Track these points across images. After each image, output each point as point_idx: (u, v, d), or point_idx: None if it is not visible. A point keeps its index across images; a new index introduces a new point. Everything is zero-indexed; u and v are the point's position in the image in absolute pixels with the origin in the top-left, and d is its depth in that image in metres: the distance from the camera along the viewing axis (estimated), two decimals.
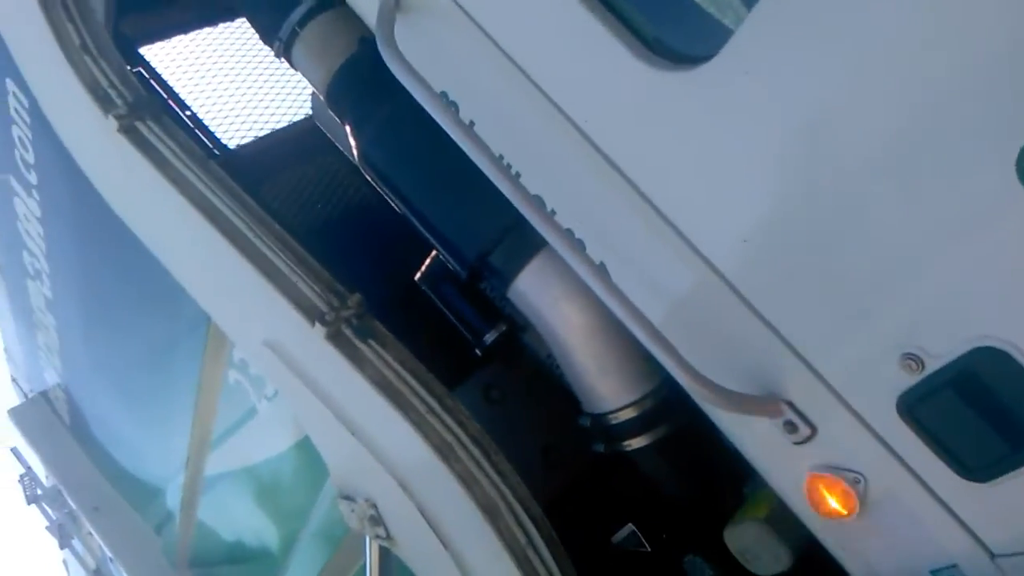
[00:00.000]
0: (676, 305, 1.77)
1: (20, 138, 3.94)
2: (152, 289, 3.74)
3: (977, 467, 1.47)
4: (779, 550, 1.94)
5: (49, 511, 7.67)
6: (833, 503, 1.69)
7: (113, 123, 2.55)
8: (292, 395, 2.69)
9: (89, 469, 6.42)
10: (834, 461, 1.68)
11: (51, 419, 6.54)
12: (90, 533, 7.06)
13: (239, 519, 5.16)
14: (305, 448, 3.74)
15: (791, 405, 1.67)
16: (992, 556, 1.54)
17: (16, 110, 3.80)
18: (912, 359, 1.45)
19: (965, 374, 1.39)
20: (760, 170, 1.50)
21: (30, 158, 3.97)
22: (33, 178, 4.09)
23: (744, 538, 2.01)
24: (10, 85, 3.71)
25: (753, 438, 1.82)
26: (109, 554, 6.59)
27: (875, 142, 1.35)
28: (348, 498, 2.68)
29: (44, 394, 6.46)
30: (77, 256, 4.33)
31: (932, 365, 1.43)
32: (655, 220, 1.71)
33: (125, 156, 2.60)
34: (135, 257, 3.34)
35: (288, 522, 4.58)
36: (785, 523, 1.93)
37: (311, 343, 2.40)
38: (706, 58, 1.50)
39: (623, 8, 1.65)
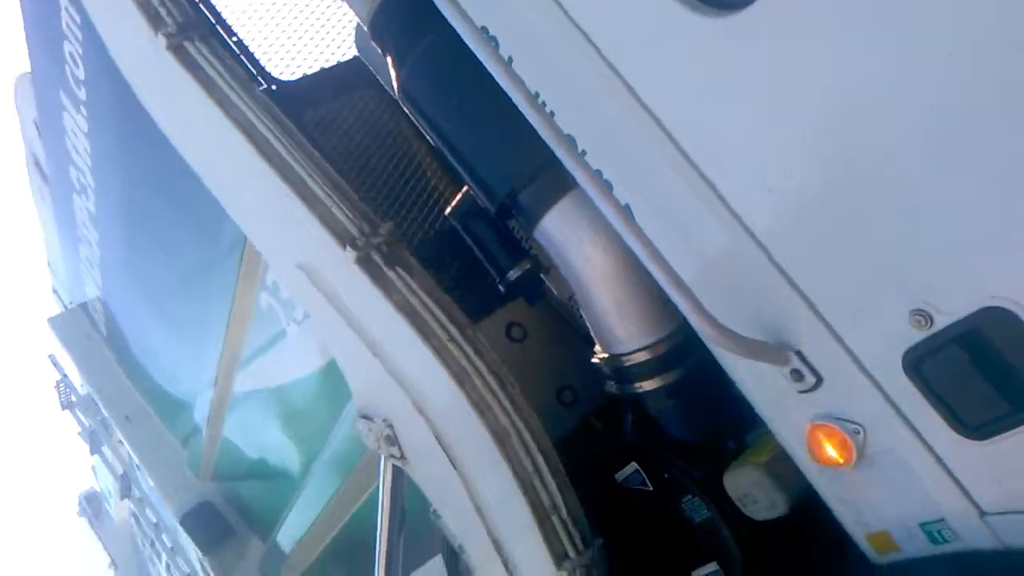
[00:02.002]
0: (697, 250, 1.81)
1: (71, 54, 4.02)
2: (193, 210, 3.85)
3: (976, 425, 1.51)
4: (775, 496, 2.01)
5: (82, 418, 7.98)
6: (831, 452, 1.75)
7: (162, 41, 2.61)
8: (320, 317, 2.79)
9: (122, 380, 6.66)
10: (836, 412, 1.73)
11: (88, 330, 6.77)
12: (120, 441, 7.36)
13: (262, 437, 5.34)
14: (329, 372, 3.87)
15: (799, 354, 1.72)
16: (982, 514, 1.59)
17: (68, 25, 3.87)
18: (921, 315, 1.48)
19: (972, 333, 1.43)
20: (790, 120, 1.53)
21: (80, 74, 4.06)
22: (82, 94, 4.19)
23: (743, 482, 2.08)
24: (63, 2, 3.78)
25: (760, 385, 1.87)
26: (137, 462, 6.87)
27: (908, 106, 1.36)
28: (367, 418, 2.79)
29: (83, 306, 6.68)
30: (122, 173, 4.44)
31: (941, 322, 1.47)
32: (683, 165, 1.74)
33: (172, 74, 2.66)
34: (179, 177, 3.43)
35: (308, 443, 4.73)
36: (784, 471, 1.99)
37: (341, 266, 2.48)
38: (747, 3, 1.51)
39: None
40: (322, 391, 4.10)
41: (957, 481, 1.59)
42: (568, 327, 3.01)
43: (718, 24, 1.54)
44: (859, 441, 1.71)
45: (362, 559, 4.28)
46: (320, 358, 3.90)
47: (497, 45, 1.98)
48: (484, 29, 1.99)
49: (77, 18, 3.76)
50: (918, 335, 1.50)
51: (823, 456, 1.77)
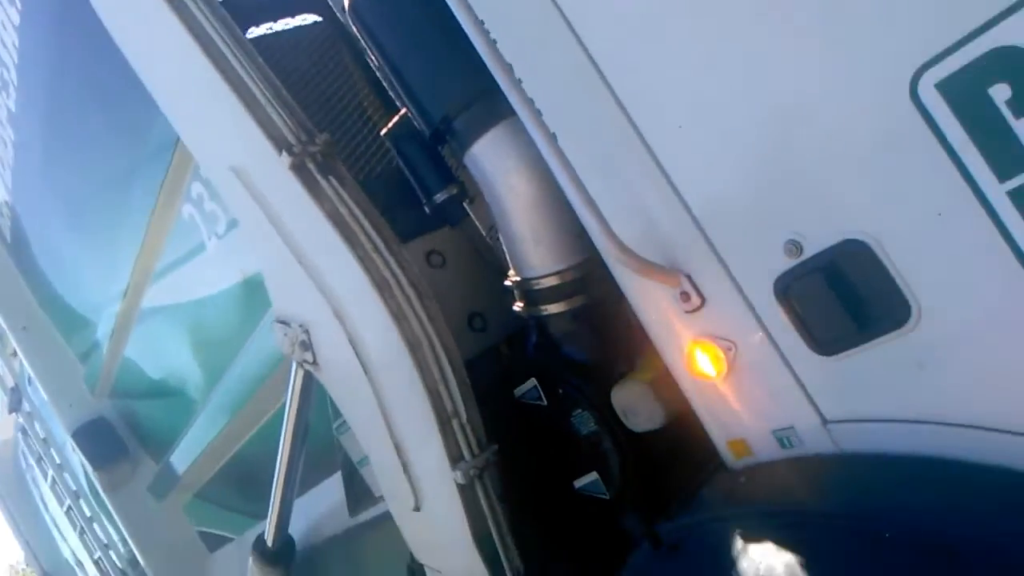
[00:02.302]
0: (610, 178, 2.02)
1: None
2: (123, 114, 3.84)
3: (827, 341, 1.77)
4: (654, 408, 2.24)
5: None
6: (705, 365, 1.99)
7: None
8: (247, 221, 2.88)
9: (23, 289, 6.48)
10: (714, 330, 1.97)
11: None
12: (14, 353, 7.15)
13: (166, 356, 5.31)
14: (244, 290, 3.94)
15: (688, 277, 1.95)
16: (824, 422, 1.86)
17: None
18: (793, 244, 1.73)
19: (832, 261, 1.68)
20: (693, 63, 1.73)
21: None
22: None
23: (626, 396, 2.31)
24: None
25: (652, 305, 2.10)
26: (30, 374, 6.70)
27: (796, 57, 1.59)
28: (284, 323, 2.90)
29: None
30: (51, 72, 4.35)
31: (808, 252, 1.71)
32: (608, 102, 1.93)
33: None
34: (112, 79, 3.43)
35: (213, 363, 4.74)
36: (664, 388, 2.23)
37: (275, 171, 2.57)
38: None
39: None
40: (234, 310, 4.14)
41: (807, 392, 1.85)
42: (485, 260, 3.18)
43: None
44: (731, 356, 1.95)
45: (257, 480, 4.39)
46: (237, 274, 3.95)
47: None
48: None
49: None
50: (789, 262, 1.74)
51: (699, 369, 2.01)
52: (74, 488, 7.16)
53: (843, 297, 1.69)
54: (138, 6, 2.84)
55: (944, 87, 1.39)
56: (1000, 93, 1.34)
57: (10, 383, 7.53)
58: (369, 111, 3.13)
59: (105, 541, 7.22)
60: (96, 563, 7.57)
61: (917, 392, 1.67)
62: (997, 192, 1.40)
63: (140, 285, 4.91)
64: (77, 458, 6.65)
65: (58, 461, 7.26)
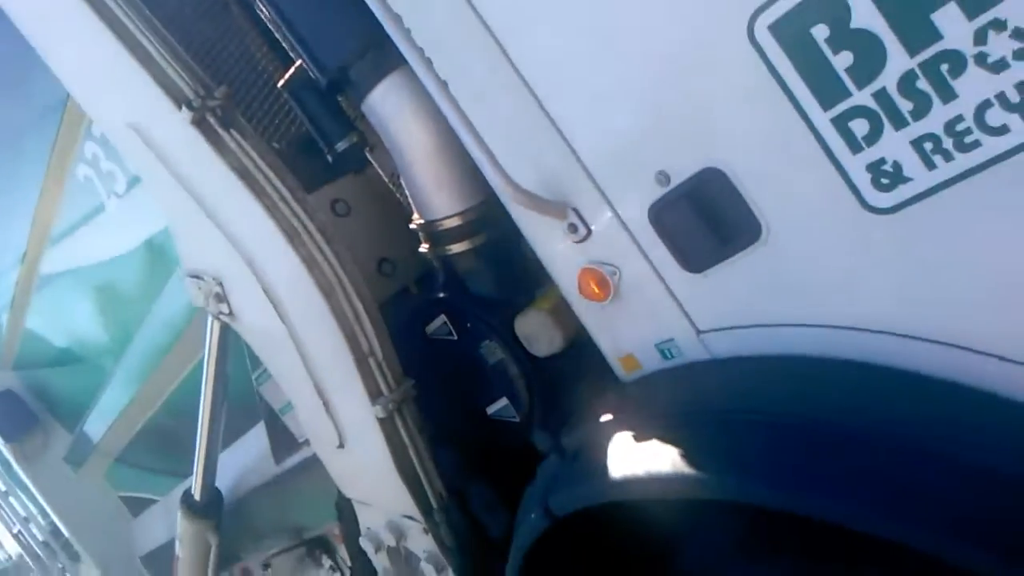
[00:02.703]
0: (499, 122, 2.17)
1: None
2: (5, 73, 3.73)
3: (694, 260, 2.00)
4: (553, 334, 2.46)
5: None
6: (594, 289, 2.20)
7: None
8: (150, 178, 2.92)
9: None
10: (601, 257, 2.18)
11: None
12: None
13: (72, 322, 5.24)
14: (150, 248, 3.94)
15: (575, 211, 2.15)
16: (698, 332, 2.11)
17: None
18: (663, 175, 1.93)
19: (695, 188, 1.89)
20: (572, 16, 1.90)
21: None
22: None
23: (528, 324, 2.52)
24: None
25: (545, 239, 2.29)
26: None
27: (649, 8, 1.77)
28: (196, 276, 2.98)
29: None
30: None
31: (675, 181, 1.92)
32: (492, 47, 2.07)
33: None
34: None
35: (122, 326, 4.71)
36: (562, 315, 2.45)
37: (175, 126, 2.63)
38: None
39: None
40: (139, 269, 4.14)
41: (681, 307, 2.09)
42: (388, 205, 3.30)
43: None
44: (615, 280, 2.17)
45: (178, 439, 4.45)
46: (139, 234, 3.94)
47: None
48: None
49: None
50: (660, 191, 1.95)
51: (588, 292, 2.22)
52: None
53: (706, 219, 1.91)
54: None
55: (775, 29, 1.60)
56: (820, 32, 1.55)
57: None
58: (262, 62, 3.16)
59: (24, 514, 7.12)
60: (16, 537, 7.47)
61: (773, 299, 1.92)
62: (822, 119, 1.63)
63: (37, 250, 4.80)
64: None
65: None
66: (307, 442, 3.62)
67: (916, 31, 1.46)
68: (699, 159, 1.86)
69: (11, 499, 7.15)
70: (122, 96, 2.76)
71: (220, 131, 2.59)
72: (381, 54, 2.44)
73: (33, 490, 6.40)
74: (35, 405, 6.23)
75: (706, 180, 1.86)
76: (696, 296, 2.06)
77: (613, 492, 2.01)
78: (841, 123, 1.61)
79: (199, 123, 2.57)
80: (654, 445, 1.96)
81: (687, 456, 1.85)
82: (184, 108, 2.55)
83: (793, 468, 1.69)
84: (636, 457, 1.98)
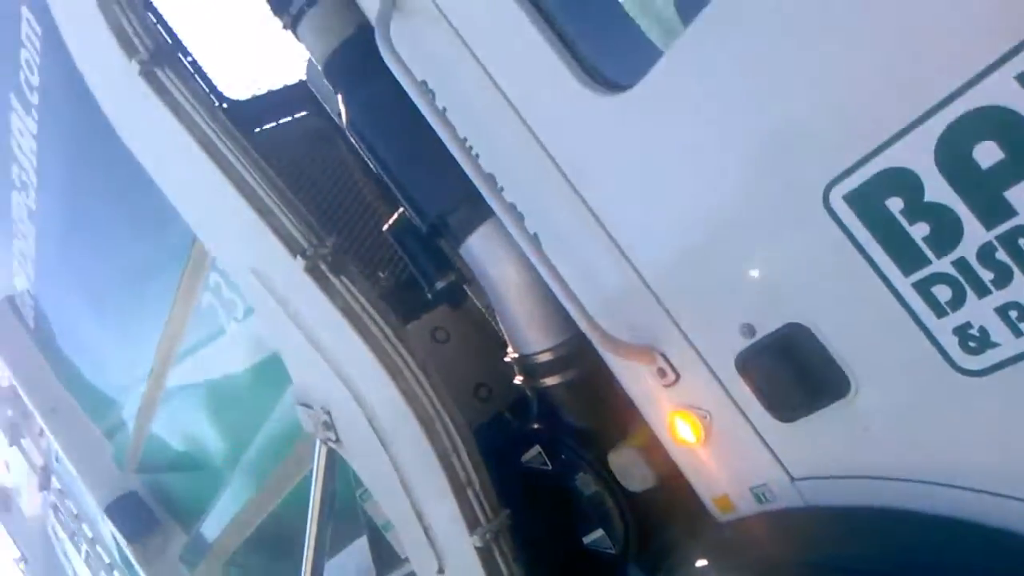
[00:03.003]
0: (589, 273, 2.29)
1: (28, 61, 4.26)
2: (141, 215, 4.14)
3: (784, 411, 2.02)
4: (646, 471, 2.50)
5: (1, 409, 7.97)
6: (686, 433, 2.25)
7: (135, 66, 2.94)
8: (268, 316, 3.16)
9: (48, 374, 6.74)
10: (690, 401, 2.23)
11: (15, 322, 6.82)
12: (41, 433, 7.40)
13: (192, 430, 5.57)
14: (264, 369, 4.20)
15: (663, 355, 2.21)
16: (792, 479, 2.11)
17: (28, 36, 4.13)
18: (747, 328, 1.99)
19: (780, 341, 1.94)
20: (654, 178, 2.01)
21: (35, 80, 4.30)
22: (35, 99, 4.42)
23: (622, 460, 2.57)
24: (25, 12, 4.04)
25: (635, 381, 2.36)
26: (59, 453, 6.94)
27: (738, 175, 1.86)
28: (306, 406, 3.17)
29: (11, 299, 6.73)
30: (69, 175, 4.66)
31: (760, 333, 1.97)
32: (579, 206, 2.21)
33: (142, 96, 3.00)
34: (129, 184, 3.74)
35: (237, 436, 5.00)
36: (655, 452, 2.48)
37: (291, 273, 2.86)
38: (627, 87, 1.99)
39: (570, 37, 2.13)
40: (255, 386, 4.41)
41: (774, 454, 2.10)
42: (486, 334, 3.45)
43: (605, 101, 2.02)
44: (707, 424, 2.21)
45: (287, 544, 4.62)
46: (256, 355, 4.23)
47: (434, 96, 2.42)
48: (423, 83, 2.42)
49: (38, 30, 4.02)
50: (745, 342, 2.00)
51: (680, 437, 2.27)
52: (107, 561, 7.38)
53: (793, 372, 1.94)
54: (150, 122, 3.14)
55: (851, 199, 1.66)
56: (895, 204, 1.61)
57: (39, 462, 7.77)
58: (370, 204, 3.42)
59: None
60: None
61: (866, 451, 1.92)
62: (904, 284, 1.66)
63: (164, 366, 5.18)
64: (109, 532, 6.88)
65: (90, 535, 7.48)
66: (408, 559, 3.71)
67: (990, 206, 1.50)
68: (783, 315, 1.91)
69: None
70: (243, 243, 3.03)
71: (330, 277, 2.80)
72: (476, 205, 2.60)
73: None
74: (155, 507, 6.57)
75: (791, 335, 1.91)
76: (788, 444, 2.07)
77: None
78: (923, 288, 1.65)
79: (312, 270, 2.79)
80: None
81: None
82: (299, 257, 2.77)
83: None
84: None
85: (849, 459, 1.96)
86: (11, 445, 8.07)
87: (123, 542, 6.40)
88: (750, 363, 2.02)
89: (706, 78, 1.81)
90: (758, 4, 1.68)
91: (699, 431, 2.22)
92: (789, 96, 1.69)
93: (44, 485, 7.85)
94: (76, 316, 6.03)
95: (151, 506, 6.53)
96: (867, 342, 1.80)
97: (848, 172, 1.65)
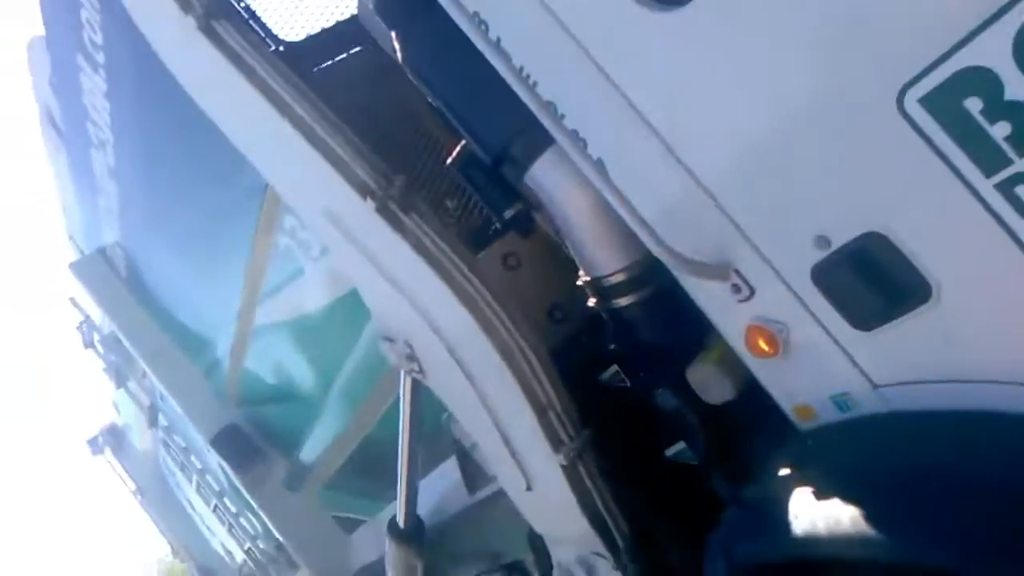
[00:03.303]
0: (656, 194, 2.27)
1: (88, 20, 4.35)
2: (214, 163, 4.26)
3: (863, 319, 2.00)
4: (724, 384, 2.51)
5: (105, 354, 8.46)
6: (763, 346, 2.25)
7: (192, 22, 2.99)
8: (344, 256, 3.25)
9: (145, 318, 7.10)
10: (766, 314, 2.22)
11: (108, 273, 7.16)
12: (144, 375, 7.86)
13: (283, 365, 5.84)
14: (344, 303, 4.35)
15: (737, 272, 2.20)
16: (873, 386, 2.10)
17: None
18: (822, 239, 1.96)
19: (858, 251, 1.91)
20: (718, 90, 1.97)
21: (98, 39, 4.40)
22: (100, 58, 4.53)
23: (700, 375, 2.58)
24: None
25: (709, 297, 2.36)
26: (163, 392, 7.37)
27: (807, 80, 1.81)
28: (389, 339, 3.28)
29: (102, 251, 7.05)
30: (142, 130, 4.81)
31: (836, 244, 1.94)
32: (642, 127, 2.17)
33: (201, 50, 3.05)
34: (200, 134, 3.83)
35: (326, 368, 5.23)
36: (732, 364, 2.50)
37: (362, 214, 2.93)
38: (684, 3, 1.93)
39: None
40: (339, 320, 4.58)
41: (854, 362, 2.09)
42: (557, 256, 3.47)
43: (662, 17, 1.96)
44: (783, 336, 2.20)
45: (381, 466, 4.85)
46: (336, 291, 4.38)
47: (487, 28, 2.39)
48: (476, 14, 2.39)
49: None
50: (820, 254, 1.98)
51: (758, 350, 2.27)
52: (217, 489, 7.88)
53: (871, 281, 1.92)
54: (211, 74, 3.20)
55: (927, 101, 1.60)
56: (973, 104, 1.54)
57: (146, 402, 8.28)
58: (433, 137, 3.43)
59: (252, 533, 7.96)
60: (247, 552, 8.35)
61: (949, 355, 1.90)
62: (986, 186, 1.61)
63: (250, 306, 5.41)
64: (215, 462, 7.33)
65: (199, 466, 7.99)
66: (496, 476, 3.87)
67: None
68: (859, 223, 1.87)
69: (241, 520, 7.99)
70: (312, 187, 3.10)
71: (400, 215, 2.85)
72: (538, 132, 2.59)
73: (259, 512, 7.13)
74: (256, 437, 6.95)
75: (868, 243, 1.87)
76: (868, 352, 2.06)
77: (795, 550, 2.05)
78: (1006, 189, 1.59)
79: (382, 211, 2.84)
80: (836, 504, 1.98)
81: (871, 518, 1.87)
82: (368, 199, 2.83)
83: (982, 537, 1.68)
84: (818, 515, 2.02)
85: (932, 364, 1.94)
86: (118, 388, 8.58)
87: (230, 471, 6.81)
88: (827, 274, 2.00)
89: None
90: None
91: (777, 343, 2.22)
92: None
93: (152, 422, 8.37)
94: (164, 263, 6.31)
95: (252, 436, 6.91)
96: (948, 246, 1.76)
97: (923, 74, 1.58)
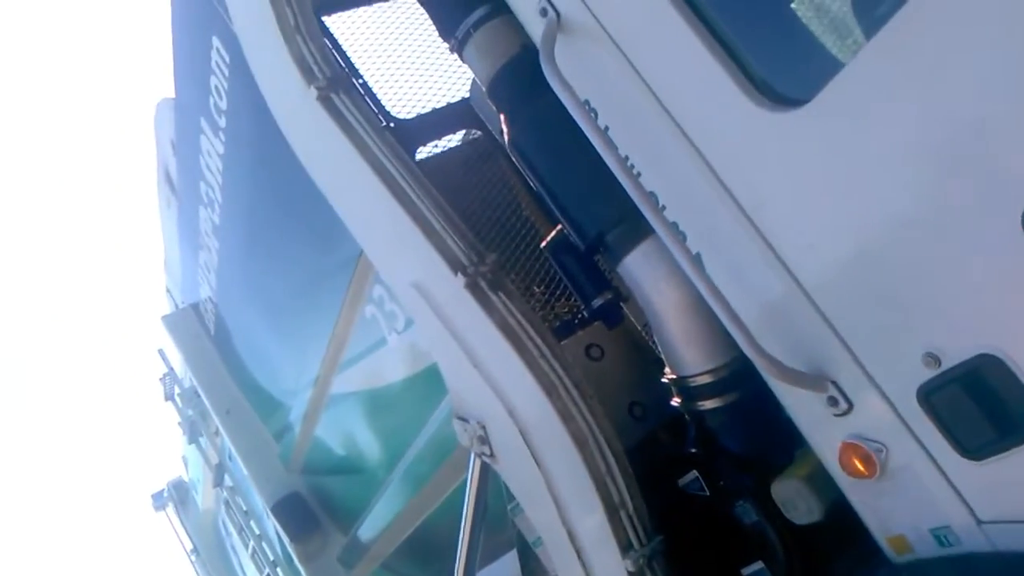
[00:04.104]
0: (754, 294, 2.21)
1: (216, 87, 4.64)
2: (313, 230, 4.41)
3: (973, 448, 1.87)
4: (813, 503, 2.37)
5: (183, 409, 8.65)
6: (859, 466, 2.12)
7: (313, 92, 3.14)
8: (427, 329, 3.26)
9: (225, 376, 7.27)
10: (864, 432, 2.10)
11: (198, 328, 7.41)
12: (216, 433, 7.98)
13: (353, 436, 5.85)
14: (422, 379, 4.34)
15: (835, 384, 2.10)
16: (979, 522, 1.94)
17: (217, 64, 4.50)
18: (932, 357, 1.85)
19: (970, 374, 1.79)
20: (831, 196, 1.92)
21: (223, 105, 4.68)
22: (222, 122, 4.80)
23: (786, 491, 2.45)
24: (215, 42, 4.41)
25: (802, 408, 2.25)
26: (232, 452, 7.45)
27: (926, 193, 1.75)
28: (462, 419, 3.24)
29: (195, 306, 7.33)
30: (250, 192, 5.04)
31: (946, 364, 1.83)
32: (746, 226, 2.14)
33: (319, 120, 3.19)
34: (303, 201, 3.98)
35: (395, 444, 5.20)
36: (822, 482, 2.35)
37: (452, 289, 2.94)
38: (802, 102, 1.92)
39: (739, 51, 2.07)
40: (414, 396, 4.58)
41: (959, 494, 1.94)
42: (641, 351, 3.41)
43: (776, 119, 1.95)
44: (882, 458, 2.07)
45: (438, 552, 4.74)
46: (415, 366, 4.39)
47: (596, 116, 2.43)
48: (586, 102, 2.43)
49: (227, 58, 4.38)
50: (929, 373, 1.87)
51: (853, 469, 2.14)
52: (271, 558, 7.82)
53: (984, 406, 1.79)
54: (324, 143, 3.33)
55: None
56: None
57: (215, 460, 8.37)
58: (529, 221, 3.47)
59: None
60: None
61: None
62: None
63: (329, 373, 5.47)
64: (273, 529, 7.31)
65: (257, 532, 7.96)
66: None
67: None
68: (974, 344, 1.77)
69: None
70: (406, 259, 3.15)
71: (489, 293, 2.85)
72: (636, 222, 2.58)
73: None
74: (317, 508, 6.92)
75: (982, 366, 1.76)
76: (975, 484, 1.91)
77: None
78: None
79: (472, 287, 2.85)
80: None
81: None
82: (459, 274, 2.85)
83: None
84: None
85: None
86: (190, 443, 8.73)
87: (287, 540, 6.77)
88: (935, 395, 1.88)
89: (894, 89, 1.71)
90: (958, 7, 1.57)
91: (873, 465, 2.08)
92: (987, 108, 1.57)
93: (218, 481, 8.44)
94: (252, 323, 6.49)
95: (312, 507, 6.89)
96: None
97: None
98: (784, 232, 2.07)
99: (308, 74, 3.18)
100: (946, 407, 1.87)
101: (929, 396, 1.89)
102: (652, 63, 2.24)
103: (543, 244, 3.11)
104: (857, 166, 1.84)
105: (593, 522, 2.82)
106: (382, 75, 4.08)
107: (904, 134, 1.73)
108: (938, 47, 1.62)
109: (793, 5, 2.73)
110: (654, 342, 3.16)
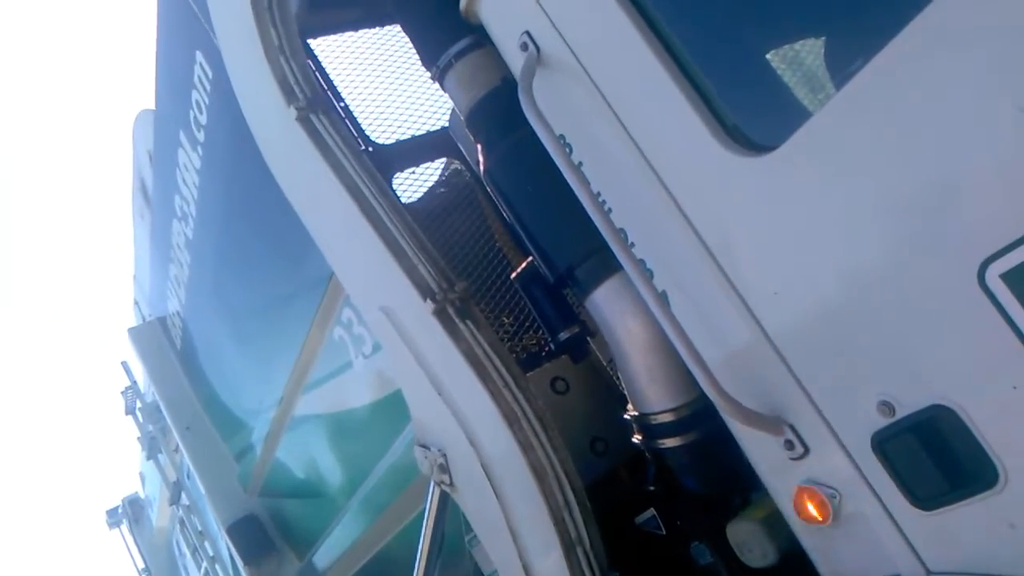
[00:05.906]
0: (717, 335, 2.23)
1: (197, 101, 4.64)
2: (285, 249, 4.40)
3: (924, 497, 1.88)
4: (767, 546, 2.37)
5: (143, 423, 8.52)
6: (812, 511, 2.12)
7: (293, 112, 3.15)
8: (393, 353, 3.25)
9: (189, 392, 7.18)
10: (818, 477, 2.11)
11: (163, 343, 7.33)
12: (176, 449, 7.86)
13: (313, 460, 5.78)
14: (385, 406, 4.32)
15: (792, 427, 2.11)
16: (928, 572, 1.95)
17: (200, 78, 4.50)
18: (886, 406, 1.87)
19: (923, 424, 1.81)
20: (794, 243, 1.95)
21: (203, 119, 4.67)
22: (201, 136, 4.80)
23: (741, 533, 2.45)
24: (199, 57, 4.42)
25: (759, 450, 2.26)
26: (191, 470, 7.34)
27: (886, 245, 1.78)
28: (424, 447, 3.22)
29: (162, 320, 7.25)
30: (225, 209, 5.02)
31: (900, 413, 1.85)
32: (712, 267, 2.16)
33: (296, 139, 3.19)
34: (277, 220, 3.98)
35: (355, 470, 5.15)
36: (777, 526, 2.36)
37: (419, 314, 2.94)
38: (770, 148, 1.95)
39: (712, 96, 2.12)
40: (377, 422, 4.54)
41: (909, 543, 1.95)
42: (605, 387, 3.42)
43: (743, 161, 1.98)
44: (835, 504, 2.08)
45: None
46: (380, 391, 4.36)
47: (571, 151, 2.46)
48: (562, 136, 2.46)
49: (209, 73, 4.39)
50: (883, 421, 1.89)
51: (807, 514, 2.15)
52: None
53: (935, 457, 1.81)
54: (301, 163, 3.33)
55: (1009, 278, 1.56)
56: None
57: (172, 478, 8.23)
58: (501, 251, 3.48)
59: None
60: None
61: (1011, 548, 1.75)
62: None
63: (293, 395, 5.43)
64: (227, 551, 7.17)
65: (211, 553, 7.82)
66: None
67: None
68: (928, 395, 1.79)
69: None
70: (376, 282, 3.15)
71: (457, 321, 2.85)
72: (604, 258, 2.61)
73: None
74: (272, 531, 6.81)
75: (936, 417, 1.78)
76: (925, 534, 1.92)
77: None
78: None
79: (439, 314, 2.85)
80: None
81: None
82: (428, 300, 2.85)
83: None
84: None
85: (994, 555, 1.79)
86: (148, 459, 8.58)
87: (240, 563, 6.65)
88: (888, 444, 1.90)
89: (860, 140, 1.75)
90: (926, 69, 1.61)
91: (827, 510, 2.09)
92: (948, 163, 1.61)
93: (174, 499, 8.29)
94: (219, 340, 6.42)
95: (269, 530, 6.79)
96: (1021, 431, 1.66)
97: (1007, 249, 1.54)
98: (749, 276, 2.09)
99: (289, 94, 3.19)
100: (899, 456, 1.89)
101: (883, 444, 1.91)
102: (627, 103, 2.28)
103: (513, 275, 3.13)
104: (819, 215, 1.87)
105: (550, 559, 2.80)
106: (364, 100, 4.11)
107: (865, 186, 1.76)
108: (904, 104, 1.66)
109: (768, 56, 2.80)
110: (618, 378, 3.18)
